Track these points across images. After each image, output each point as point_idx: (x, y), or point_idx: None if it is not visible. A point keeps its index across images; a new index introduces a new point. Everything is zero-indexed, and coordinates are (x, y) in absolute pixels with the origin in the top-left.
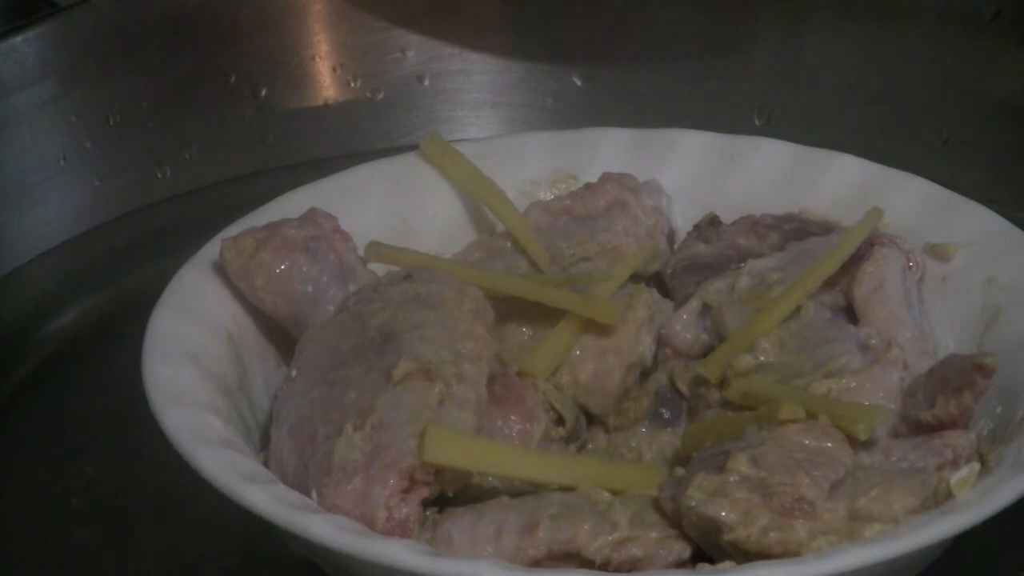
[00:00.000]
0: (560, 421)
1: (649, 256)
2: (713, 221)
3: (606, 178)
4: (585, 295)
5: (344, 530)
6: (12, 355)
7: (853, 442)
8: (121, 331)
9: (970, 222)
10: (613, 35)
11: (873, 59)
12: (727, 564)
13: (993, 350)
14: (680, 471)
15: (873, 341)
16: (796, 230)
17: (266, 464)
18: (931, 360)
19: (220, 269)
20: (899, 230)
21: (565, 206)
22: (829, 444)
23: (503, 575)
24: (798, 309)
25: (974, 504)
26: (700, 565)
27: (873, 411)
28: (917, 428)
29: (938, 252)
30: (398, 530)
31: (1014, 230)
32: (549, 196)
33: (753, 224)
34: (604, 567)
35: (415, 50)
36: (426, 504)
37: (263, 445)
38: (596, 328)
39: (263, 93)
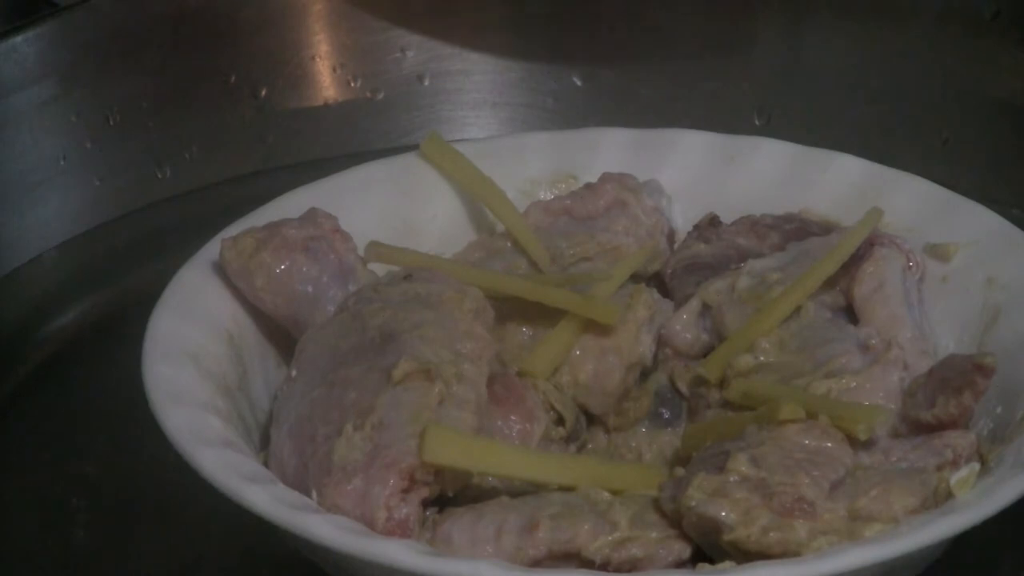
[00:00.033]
0: (560, 421)
1: (649, 256)
2: (713, 221)
3: (606, 178)
4: (585, 295)
5: (344, 530)
6: (12, 355)
7: (853, 442)
8: (121, 331)
9: (970, 222)
10: (613, 35)
11: (873, 59)
12: (727, 564)
13: (993, 350)
14: (680, 471)
15: (873, 341)
16: (796, 230)
17: (266, 464)
18: (931, 360)
19: (220, 269)
20: (899, 230)
21: (565, 206)
22: (829, 444)
23: (503, 575)
24: (798, 309)
25: (974, 504)
26: (700, 565)
27: (873, 411)
28: (917, 428)
29: (938, 252)
30: (398, 530)
31: (1014, 230)
32: (549, 196)
33: (753, 224)
34: (604, 567)
35: (415, 50)
36: (426, 504)
37: (263, 445)
38: (596, 328)
39: (263, 93)
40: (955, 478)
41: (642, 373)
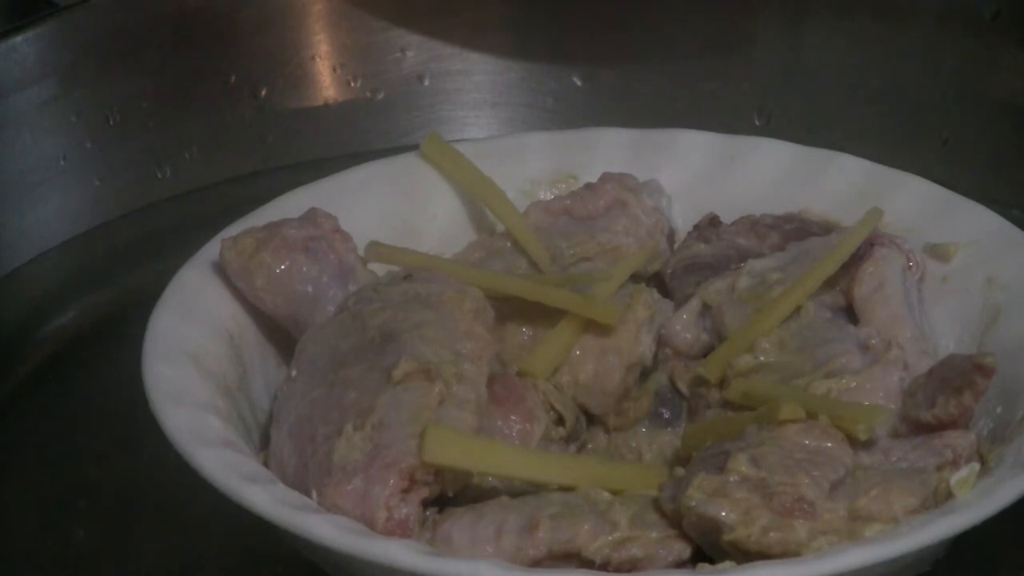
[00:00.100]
0: (560, 421)
1: (649, 256)
2: (713, 221)
3: (606, 178)
4: (585, 295)
5: (344, 530)
6: (12, 355)
7: (853, 442)
8: (121, 331)
9: (970, 222)
10: (613, 35)
11: (873, 59)
12: (727, 564)
13: (993, 350)
14: (680, 471)
15: (873, 341)
16: (796, 230)
17: (266, 464)
18: (931, 360)
19: (220, 269)
20: (899, 230)
21: (565, 206)
22: (829, 444)
23: (503, 575)
24: (798, 309)
25: (974, 504)
26: (700, 565)
27: (873, 411)
28: (917, 428)
29: (938, 252)
30: (398, 530)
31: (1014, 230)
32: (549, 196)
33: (753, 224)
34: (604, 567)
35: (415, 50)
36: (426, 504)
37: (263, 445)
38: (596, 328)
39: (263, 93)
40: (955, 478)
41: (642, 373)
